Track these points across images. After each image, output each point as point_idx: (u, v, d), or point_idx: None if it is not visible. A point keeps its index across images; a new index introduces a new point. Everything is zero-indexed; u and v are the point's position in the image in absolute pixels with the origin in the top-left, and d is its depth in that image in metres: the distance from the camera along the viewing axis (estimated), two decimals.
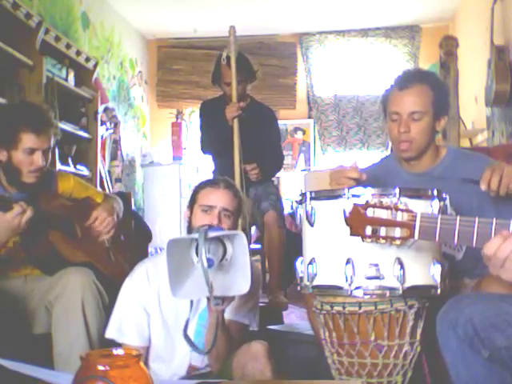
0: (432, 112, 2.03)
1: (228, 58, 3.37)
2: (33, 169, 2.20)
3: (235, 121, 3.38)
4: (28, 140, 2.17)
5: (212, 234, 1.68)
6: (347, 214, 1.46)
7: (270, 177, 3.75)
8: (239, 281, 1.69)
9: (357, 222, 1.43)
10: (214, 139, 3.59)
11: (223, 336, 1.81)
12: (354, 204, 1.44)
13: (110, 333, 1.98)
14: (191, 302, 1.83)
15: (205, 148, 3.74)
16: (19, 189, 2.22)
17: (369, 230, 1.41)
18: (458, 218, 1.37)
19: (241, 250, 1.69)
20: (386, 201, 1.43)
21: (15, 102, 2.34)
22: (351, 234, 1.45)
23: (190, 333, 1.91)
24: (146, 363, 1.97)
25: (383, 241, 1.41)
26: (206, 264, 1.59)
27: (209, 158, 3.85)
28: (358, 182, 1.87)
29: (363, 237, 1.43)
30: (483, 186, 1.80)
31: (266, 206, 3.45)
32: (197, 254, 1.66)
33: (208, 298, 1.73)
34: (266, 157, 3.66)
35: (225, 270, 1.71)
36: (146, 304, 1.98)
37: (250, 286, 1.67)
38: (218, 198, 1.98)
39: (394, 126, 2.05)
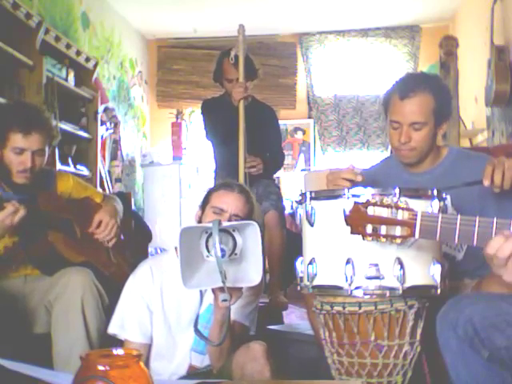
0: (433, 120, 2.01)
1: (236, 57, 3.37)
2: (21, 169, 2.19)
3: (241, 103, 3.36)
4: (16, 139, 2.17)
5: (225, 224, 1.71)
6: (347, 213, 1.46)
7: (270, 175, 3.75)
8: (251, 272, 1.70)
9: (357, 220, 1.43)
10: (217, 128, 3.58)
11: (228, 334, 1.81)
12: (355, 202, 1.44)
13: (113, 328, 1.99)
14: (201, 296, 1.83)
15: (209, 134, 3.70)
16: (13, 189, 2.21)
17: (369, 229, 1.41)
18: (459, 217, 1.37)
19: (253, 240, 1.70)
20: (386, 199, 1.43)
21: (11, 101, 2.33)
22: (352, 233, 1.44)
23: (191, 333, 1.92)
24: (147, 361, 1.98)
25: (384, 239, 1.41)
26: (219, 252, 1.60)
27: (210, 151, 3.82)
28: (354, 183, 1.88)
29: (364, 235, 1.43)
30: (486, 182, 1.79)
31: (267, 206, 3.44)
32: (207, 246, 1.67)
33: (215, 294, 1.74)
34: (267, 155, 3.66)
35: (236, 262, 1.72)
36: (149, 301, 1.98)
37: (261, 277, 1.68)
38: (231, 202, 1.98)
39: (394, 133, 2.04)
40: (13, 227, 1.99)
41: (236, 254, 1.71)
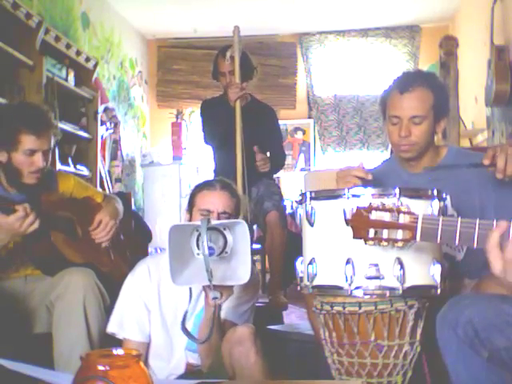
0: (432, 115, 2.02)
1: (232, 57, 3.39)
2: (33, 170, 2.20)
3: (237, 103, 3.37)
4: (28, 141, 2.17)
5: (214, 222, 1.71)
6: (350, 217, 1.46)
7: (271, 175, 3.76)
8: (240, 270, 1.70)
9: (360, 224, 1.43)
10: (216, 129, 3.59)
11: (217, 333, 1.81)
12: (358, 207, 1.44)
13: (111, 327, 1.99)
14: (190, 294, 1.83)
15: (207, 138, 3.71)
16: (19, 189, 2.22)
17: (371, 233, 1.41)
18: (459, 219, 1.37)
19: (242, 238, 1.70)
20: (388, 203, 1.43)
21: (14, 102, 2.31)
22: (354, 237, 1.44)
23: (189, 327, 1.92)
24: (146, 360, 1.98)
25: (385, 243, 1.41)
26: (207, 251, 1.60)
27: (210, 153, 3.83)
28: (365, 181, 1.88)
29: (366, 240, 1.43)
30: (486, 161, 1.81)
31: (269, 206, 3.45)
32: (197, 243, 1.67)
33: (206, 292, 1.74)
34: (267, 155, 3.66)
35: (226, 260, 1.73)
36: (146, 300, 1.99)
37: (250, 275, 1.68)
38: (216, 201, 1.98)
39: (394, 129, 2.04)
40: (21, 233, 1.99)
41: (226, 253, 1.71)
